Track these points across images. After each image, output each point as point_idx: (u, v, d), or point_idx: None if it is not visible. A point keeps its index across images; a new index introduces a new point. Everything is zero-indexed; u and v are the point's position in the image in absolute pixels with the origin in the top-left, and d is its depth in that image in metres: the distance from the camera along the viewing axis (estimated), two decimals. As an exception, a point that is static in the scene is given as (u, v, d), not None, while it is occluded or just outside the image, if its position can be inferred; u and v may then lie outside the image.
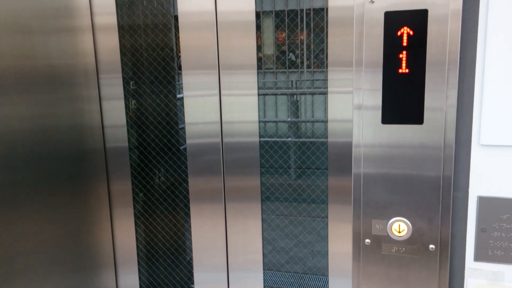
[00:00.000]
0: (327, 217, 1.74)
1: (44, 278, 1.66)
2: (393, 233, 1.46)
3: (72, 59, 1.76)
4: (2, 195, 1.47)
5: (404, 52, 1.34)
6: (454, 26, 1.31)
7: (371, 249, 1.50)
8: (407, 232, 1.45)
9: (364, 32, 1.37)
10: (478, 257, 1.41)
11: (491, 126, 1.32)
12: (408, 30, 1.33)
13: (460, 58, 1.32)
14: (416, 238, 1.45)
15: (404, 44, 1.34)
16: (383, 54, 1.36)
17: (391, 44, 1.35)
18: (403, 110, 1.38)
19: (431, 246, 1.45)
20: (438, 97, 1.35)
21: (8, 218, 1.50)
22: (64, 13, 1.72)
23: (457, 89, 1.34)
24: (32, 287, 1.60)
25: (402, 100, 1.38)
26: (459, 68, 1.33)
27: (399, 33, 1.34)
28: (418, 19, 1.32)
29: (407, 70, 1.35)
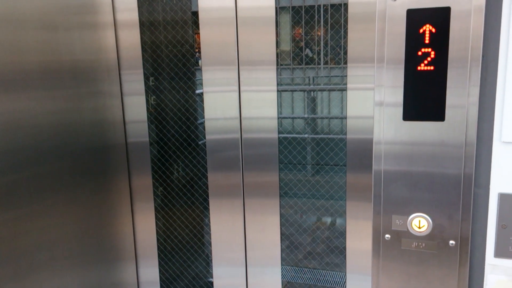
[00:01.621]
0: (345, 214, 1.74)
1: (67, 269, 1.69)
2: (413, 229, 1.46)
3: (95, 55, 1.78)
4: (27, 188, 1.50)
5: (426, 50, 1.34)
6: (477, 23, 1.30)
7: (391, 244, 1.51)
8: (427, 228, 1.45)
9: (386, 29, 1.37)
10: (498, 253, 1.41)
11: (513, 123, 1.31)
12: (431, 27, 1.32)
13: (483, 56, 1.32)
14: (436, 234, 1.45)
15: (426, 41, 1.34)
16: (405, 51, 1.36)
17: (413, 41, 1.35)
18: (425, 107, 1.38)
19: (451, 242, 1.45)
20: (460, 94, 1.35)
21: (32, 211, 1.53)
22: (87, 9, 1.74)
23: (479, 86, 1.33)
24: (55, 278, 1.64)
25: (424, 97, 1.37)
26: (481, 65, 1.32)
27: (421, 30, 1.33)
28: (440, 17, 1.31)
29: (429, 68, 1.35)
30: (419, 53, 1.35)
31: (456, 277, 1.46)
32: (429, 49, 1.34)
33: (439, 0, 1.31)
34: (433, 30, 1.32)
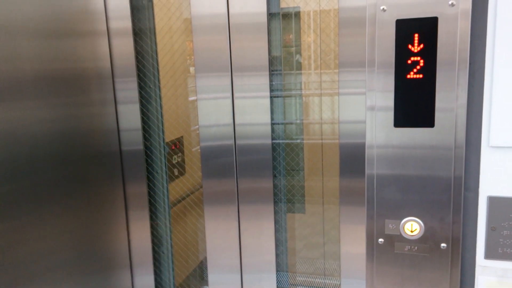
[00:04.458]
0: (338, 219, 1.75)
1: (62, 279, 1.67)
2: (405, 233, 1.49)
3: (88, 63, 1.77)
4: (22, 198, 1.49)
5: (415, 58, 1.37)
6: (463, 30, 1.33)
7: (384, 248, 1.53)
8: (419, 231, 1.48)
9: (376, 34, 1.40)
10: (488, 255, 1.43)
11: (500, 128, 1.34)
12: (419, 37, 1.36)
13: (470, 63, 1.35)
14: (428, 237, 1.48)
15: (415, 50, 1.37)
16: (395, 60, 1.39)
17: (402, 50, 1.38)
18: (415, 114, 1.41)
19: (443, 244, 1.47)
20: (448, 101, 1.38)
21: (28, 220, 1.51)
22: (80, 17, 1.73)
23: (467, 90, 1.36)
24: (51, 288, 1.64)
25: (414, 105, 1.41)
26: (469, 71, 1.35)
27: (410, 40, 1.37)
28: (428, 27, 1.35)
29: (418, 76, 1.38)
30: (409, 61, 1.38)
31: (448, 279, 1.49)
32: (418, 58, 1.37)
33: (427, 11, 1.34)
34: (422, 39, 1.36)
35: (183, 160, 2.24)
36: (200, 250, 2.24)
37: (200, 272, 2.26)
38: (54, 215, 1.63)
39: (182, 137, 2.20)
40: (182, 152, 2.23)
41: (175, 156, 2.19)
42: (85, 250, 1.79)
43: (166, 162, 2.06)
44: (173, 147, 2.16)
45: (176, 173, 2.19)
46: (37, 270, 1.57)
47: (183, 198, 2.19)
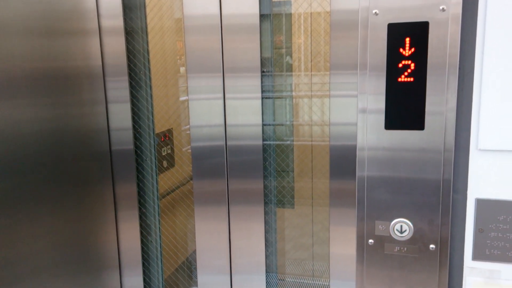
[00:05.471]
0: (328, 220, 1.76)
1: (51, 279, 1.66)
2: (395, 234, 1.50)
3: (79, 62, 1.76)
4: (10, 197, 1.48)
5: (406, 62, 1.39)
6: (454, 35, 1.35)
7: (374, 249, 1.54)
8: (408, 233, 1.49)
9: (368, 37, 1.42)
10: (476, 257, 1.46)
11: (489, 131, 1.36)
12: (410, 41, 1.38)
13: (460, 67, 1.37)
14: (417, 238, 1.49)
15: (406, 54, 1.39)
16: (386, 63, 1.41)
17: (394, 54, 1.40)
18: (405, 116, 1.43)
19: (432, 246, 1.49)
20: (438, 104, 1.40)
21: (16, 220, 1.50)
22: (71, 15, 1.72)
23: (456, 93, 1.38)
24: (39, 288, 1.62)
25: (404, 108, 1.42)
26: (459, 75, 1.37)
27: (401, 43, 1.38)
28: (419, 31, 1.36)
29: (409, 79, 1.40)
30: (400, 65, 1.40)
31: (436, 280, 1.51)
32: (409, 61, 1.39)
33: (418, 15, 1.36)
34: (413, 43, 1.37)
35: (172, 152, 2.24)
36: (189, 250, 2.24)
37: (189, 272, 2.25)
38: (43, 215, 1.62)
39: (171, 128, 2.20)
40: (172, 144, 2.23)
41: (165, 148, 2.18)
42: (74, 250, 1.78)
43: (157, 162, 2.06)
44: (163, 139, 2.15)
45: (166, 165, 2.19)
46: (26, 270, 1.55)
47: (173, 190, 2.19)
